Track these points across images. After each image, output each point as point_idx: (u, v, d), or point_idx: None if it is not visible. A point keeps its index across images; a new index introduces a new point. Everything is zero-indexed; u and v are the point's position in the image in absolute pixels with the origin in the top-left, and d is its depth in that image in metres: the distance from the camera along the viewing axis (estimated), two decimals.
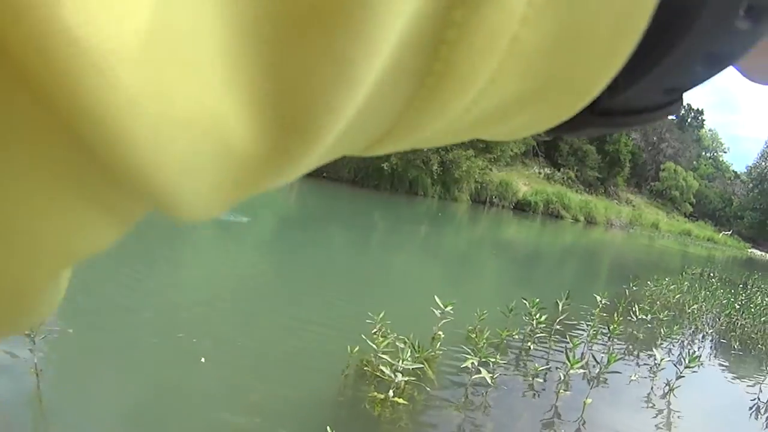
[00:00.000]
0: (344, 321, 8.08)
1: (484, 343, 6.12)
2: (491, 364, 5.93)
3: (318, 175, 23.85)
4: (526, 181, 36.75)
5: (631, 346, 8.72)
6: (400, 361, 5.35)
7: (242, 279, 9.60)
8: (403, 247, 16.49)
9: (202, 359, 5.65)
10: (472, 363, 5.70)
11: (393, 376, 5.31)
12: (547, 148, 45.71)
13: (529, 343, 7.53)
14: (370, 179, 24.98)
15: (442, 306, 6.68)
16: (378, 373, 5.68)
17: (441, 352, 6.48)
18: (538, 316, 7.63)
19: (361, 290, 10.52)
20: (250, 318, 7.63)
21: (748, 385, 8.29)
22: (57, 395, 4.87)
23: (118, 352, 5.81)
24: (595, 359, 6.46)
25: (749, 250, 52.65)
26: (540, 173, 42.51)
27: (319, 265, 11.70)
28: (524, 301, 7.99)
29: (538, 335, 7.70)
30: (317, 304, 8.87)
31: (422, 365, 5.67)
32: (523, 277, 15.94)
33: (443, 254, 16.97)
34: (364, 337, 6.17)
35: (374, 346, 5.77)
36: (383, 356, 5.61)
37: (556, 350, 7.70)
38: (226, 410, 5.03)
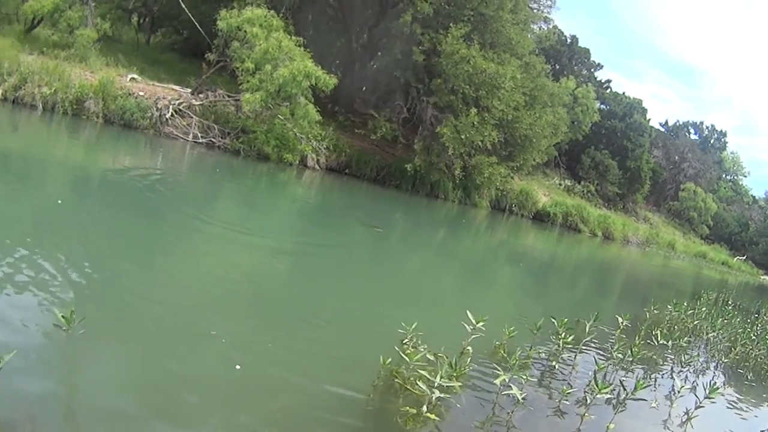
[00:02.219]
0: (373, 328, 8.23)
1: (516, 361, 6.20)
2: (521, 381, 6.00)
3: (340, 171, 24.05)
4: (546, 192, 36.77)
5: (650, 371, 8.78)
6: (438, 377, 5.37)
7: (266, 278, 9.66)
8: (423, 250, 16.71)
9: (237, 366, 5.78)
10: (503, 380, 5.75)
11: (428, 391, 5.31)
12: (569, 160, 45.57)
13: (554, 362, 7.65)
14: (393, 179, 25.12)
15: (473, 321, 6.67)
16: (408, 386, 5.76)
17: (469, 368, 6.51)
18: (564, 336, 7.71)
19: (384, 293, 10.70)
20: (278, 318, 7.73)
21: (761, 417, 8.39)
22: (87, 387, 5.01)
23: (151, 348, 5.97)
24: (622, 385, 6.49)
25: (762, 277, 52.26)
26: (561, 184, 42.44)
27: (341, 264, 11.87)
28: (552, 320, 8.09)
29: (562, 355, 7.84)
30: (343, 305, 9.06)
31: (458, 384, 5.69)
32: (540, 288, 16.08)
33: (462, 259, 17.13)
34: (397, 349, 6.29)
35: (406, 358, 5.86)
36: (420, 371, 5.63)
37: (580, 371, 7.80)
38: (253, 414, 5.20)
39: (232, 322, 6.99)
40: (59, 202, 10.57)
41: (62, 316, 5.07)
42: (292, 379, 5.89)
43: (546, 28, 39.38)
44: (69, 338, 5.13)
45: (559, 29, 44.60)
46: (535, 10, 35.35)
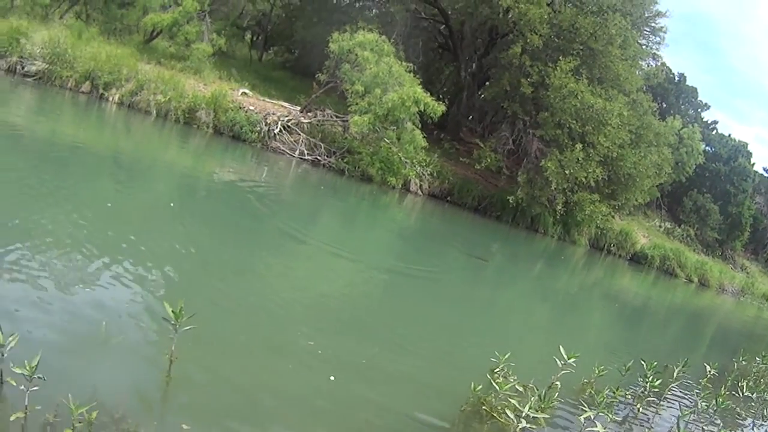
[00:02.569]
0: (464, 355, 8.53)
1: (603, 399, 6.35)
2: (606, 420, 6.14)
3: (442, 198, 23.80)
4: (646, 233, 35.35)
5: (732, 423, 8.65)
6: (526, 408, 5.52)
7: (364, 296, 10.03)
8: (518, 282, 16.41)
9: (332, 377, 6.09)
10: (588, 417, 5.88)
11: (515, 421, 5.48)
12: (671, 202, 43.84)
13: (638, 405, 7.66)
14: (494, 209, 24.70)
15: (565, 357, 6.72)
16: (495, 414, 5.97)
17: (556, 402, 6.59)
18: (651, 380, 7.70)
19: (477, 322, 10.84)
20: (372, 336, 8.08)
21: None
22: (184, 382, 5.40)
23: (249, 352, 6.41)
24: None
25: None
26: (660, 227, 40.81)
27: (435, 291, 11.93)
28: (642, 362, 8.14)
29: (648, 398, 7.87)
30: (436, 331, 9.33)
31: (545, 416, 5.85)
32: (632, 330, 15.75)
33: (557, 295, 16.84)
34: (489, 377, 6.52)
35: (497, 386, 6.08)
36: (509, 400, 5.81)
37: (663, 416, 7.80)
38: (339, 426, 5.47)
39: (327, 335, 7.40)
40: (171, 205, 11.11)
41: (172, 311, 5.28)
42: (381, 397, 6.23)
43: (654, 65, 38.07)
44: (175, 332, 5.36)
45: (667, 67, 43.11)
46: (643, 46, 34.25)
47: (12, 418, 4.27)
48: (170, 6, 25.20)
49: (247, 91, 22.98)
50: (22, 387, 4.35)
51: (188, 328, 5.36)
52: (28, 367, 4.32)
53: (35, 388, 4.34)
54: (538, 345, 10.54)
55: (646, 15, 34.83)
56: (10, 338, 4.57)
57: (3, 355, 4.55)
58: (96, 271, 6.97)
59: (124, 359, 5.36)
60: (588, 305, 17.68)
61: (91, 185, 11.62)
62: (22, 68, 21.03)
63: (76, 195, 10.43)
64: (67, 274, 6.68)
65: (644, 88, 32.85)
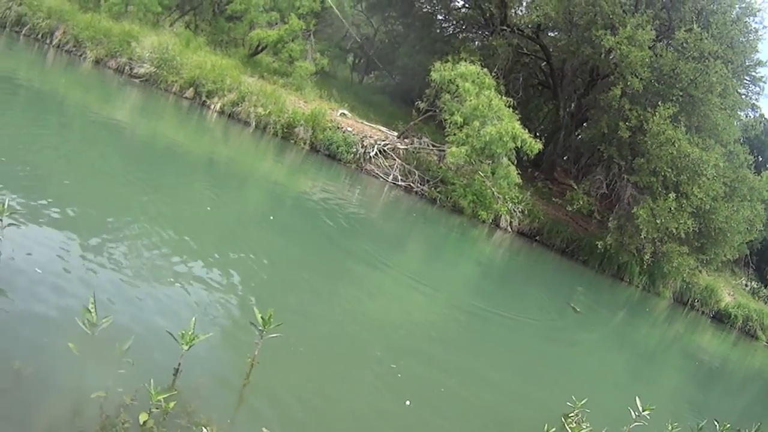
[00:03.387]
0: (537, 397, 8.62)
1: None
2: None
3: (531, 237, 23.56)
4: (731, 291, 34.04)
5: None
6: None
7: (440, 330, 10.03)
8: (598, 329, 16.09)
9: (407, 402, 6.27)
10: None
11: None
12: (759, 260, 42.15)
13: None
14: (581, 253, 24.24)
15: (640, 408, 6.69)
16: None
17: None
18: None
19: (553, 365, 10.83)
20: (451, 367, 8.25)
21: None
22: (261, 387, 5.63)
23: (328, 366, 6.68)
24: None
25: None
26: (747, 286, 39.26)
27: (513, 332, 11.89)
28: (715, 423, 8.13)
29: None
30: (513, 370, 9.48)
31: None
32: (707, 389, 15.41)
33: (635, 346, 16.50)
34: (562, 420, 6.61)
35: (569, 430, 6.19)
36: None
37: None
38: None
39: (407, 362, 7.65)
40: (271, 218, 11.65)
41: (261, 317, 5.51)
42: (454, 427, 6.39)
43: (753, 116, 36.90)
44: (260, 338, 5.57)
45: (765, 118, 41.67)
46: (743, 96, 33.26)
47: (92, 396, 4.49)
48: (276, 23, 25.94)
49: (346, 112, 23.38)
50: (108, 368, 4.64)
51: (274, 335, 5.55)
52: (118, 350, 4.60)
53: (121, 371, 4.63)
54: (613, 394, 10.56)
55: (747, 63, 33.82)
56: (104, 320, 4.77)
57: (94, 334, 4.74)
58: (191, 272, 7.52)
59: (207, 356, 5.69)
60: (666, 360, 17.31)
61: (188, 188, 12.37)
62: (131, 69, 22.09)
63: (175, 196, 11.22)
64: (164, 271, 7.23)
65: (741, 139, 31.85)
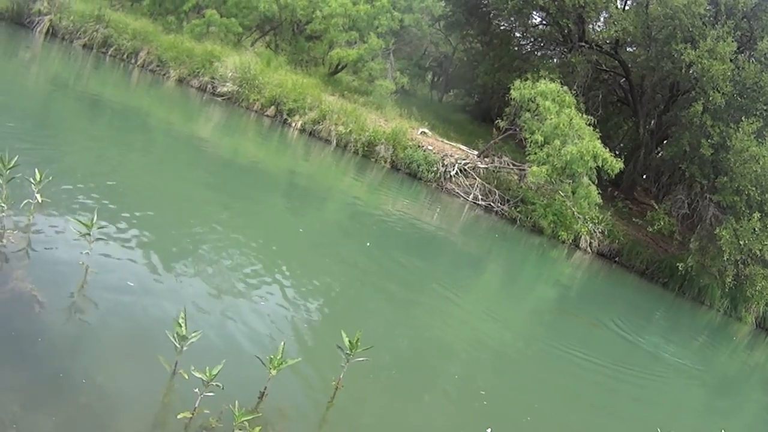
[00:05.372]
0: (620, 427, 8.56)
1: None
2: None
3: (610, 258, 23.37)
4: None
5: None
6: None
7: (514, 364, 9.83)
8: (676, 356, 15.74)
9: (488, 430, 6.23)
10: None
11: None
12: None
13: None
14: (661, 275, 23.80)
15: None
16: None
17: None
18: None
19: (625, 403, 10.34)
20: (535, 397, 8.21)
21: None
22: (346, 411, 5.79)
23: (410, 390, 6.82)
24: None
25: None
26: None
27: (593, 353, 11.71)
28: None
29: None
30: (591, 411, 9.09)
31: None
32: None
33: (713, 375, 15.99)
34: None
35: None
36: None
37: None
38: None
39: (493, 388, 7.77)
40: (368, 244, 12.45)
41: (348, 341, 5.63)
42: None
43: None
44: (346, 361, 5.71)
45: None
46: None
47: (179, 416, 4.51)
48: (356, 42, 26.57)
49: (426, 130, 23.78)
50: (196, 390, 4.60)
51: (361, 359, 5.66)
52: (208, 374, 4.53)
53: (210, 394, 4.60)
54: (693, 426, 10.32)
55: None
56: (193, 334, 4.82)
57: (183, 348, 4.81)
58: (282, 294, 7.76)
59: (293, 379, 5.77)
60: (744, 391, 16.54)
61: (271, 206, 12.93)
62: (213, 88, 23.04)
63: (259, 214, 11.78)
64: (256, 291, 7.50)
65: None
